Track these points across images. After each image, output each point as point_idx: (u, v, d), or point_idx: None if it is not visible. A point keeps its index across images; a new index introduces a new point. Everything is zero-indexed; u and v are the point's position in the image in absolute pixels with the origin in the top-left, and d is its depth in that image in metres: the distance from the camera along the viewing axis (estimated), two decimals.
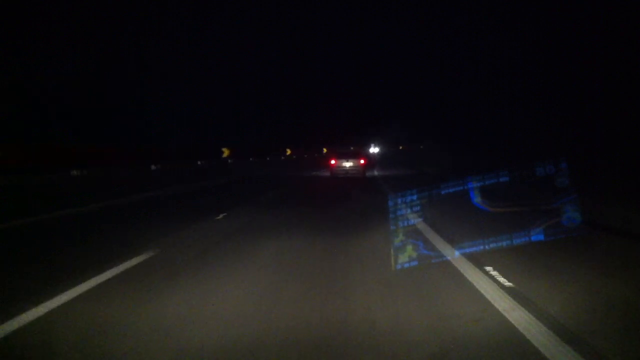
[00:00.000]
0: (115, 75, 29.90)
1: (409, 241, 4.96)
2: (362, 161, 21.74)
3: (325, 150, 62.19)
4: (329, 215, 9.30)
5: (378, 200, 10.79)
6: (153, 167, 21.94)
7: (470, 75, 25.99)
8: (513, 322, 3.20)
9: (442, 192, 5.75)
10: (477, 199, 7.75)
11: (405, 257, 4.78)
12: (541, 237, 5.09)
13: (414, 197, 5.35)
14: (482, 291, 3.90)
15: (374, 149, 59.97)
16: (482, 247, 4.97)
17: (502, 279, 4.17)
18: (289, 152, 60.67)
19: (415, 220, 5.82)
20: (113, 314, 3.50)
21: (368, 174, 23.00)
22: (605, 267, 4.65)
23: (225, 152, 37.22)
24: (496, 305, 3.55)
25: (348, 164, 21.62)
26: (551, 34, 13.83)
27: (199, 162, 28.85)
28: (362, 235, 6.71)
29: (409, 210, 5.23)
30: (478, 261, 4.84)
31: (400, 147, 76.10)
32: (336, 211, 10.10)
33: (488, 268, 4.53)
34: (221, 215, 9.11)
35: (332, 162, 22.20)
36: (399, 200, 5.32)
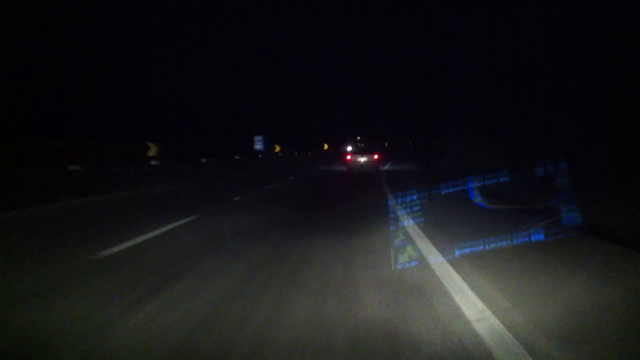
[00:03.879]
0: (113, 75, 29.87)
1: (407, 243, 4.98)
2: (375, 156, 22.28)
3: (326, 146, 61.44)
4: None
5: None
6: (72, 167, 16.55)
7: (469, 75, 26.00)
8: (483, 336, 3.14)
9: (443, 192, 5.76)
10: (477, 199, 7.78)
11: (405, 257, 4.79)
12: (541, 238, 5.10)
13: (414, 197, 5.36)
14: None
15: None
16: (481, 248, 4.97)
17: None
18: (278, 148, 54.39)
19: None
20: None
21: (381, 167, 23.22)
22: (598, 277, 4.56)
23: (152, 150, 25.10)
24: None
25: (363, 159, 22.28)
26: (551, 33, 13.83)
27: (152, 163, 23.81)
28: None
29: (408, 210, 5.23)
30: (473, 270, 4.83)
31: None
32: None
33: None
34: None
35: (348, 157, 22.74)
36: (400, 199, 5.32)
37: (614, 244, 5.72)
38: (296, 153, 54.17)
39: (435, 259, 5.11)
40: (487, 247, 4.99)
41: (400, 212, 5.84)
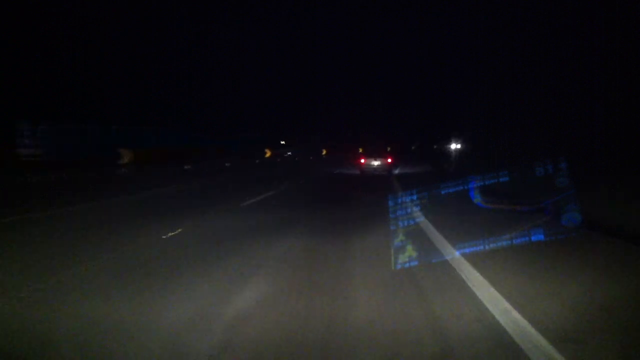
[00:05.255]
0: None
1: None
2: (389, 160, 22.45)
3: (268, 153, 50.14)
4: None
5: None
6: None
7: (469, 75, 26.05)
8: (505, 325, 3.21)
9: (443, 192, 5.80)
10: (476, 199, 7.82)
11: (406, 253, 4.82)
12: (541, 237, 5.13)
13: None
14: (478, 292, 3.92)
15: None
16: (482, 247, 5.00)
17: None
18: (127, 157, 29.92)
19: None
20: None
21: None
22: (601, 270, 4.63)
23: None
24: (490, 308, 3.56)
25: (376, 163, 22.44)
26: (551, 32, 13.85)
27: None
28: None
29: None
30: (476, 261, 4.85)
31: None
32: None
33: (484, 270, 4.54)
34: None
35: (362, 160, 22.88)
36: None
37: (616, 241, 5.73)
38: (187, 167, 27.35)
39: (441, 256, 5.14)
40: (486, 246, 5.03)
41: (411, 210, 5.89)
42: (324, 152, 69.15)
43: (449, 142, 31.42)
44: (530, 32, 15.40)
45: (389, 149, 25.12)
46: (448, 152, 30.22)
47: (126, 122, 28.13)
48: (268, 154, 49.22)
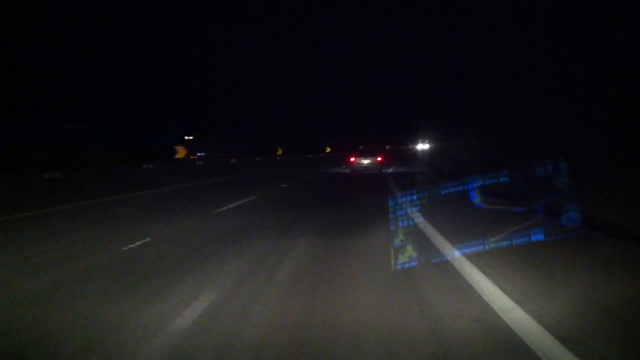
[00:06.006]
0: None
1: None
2: (379, 158, 22.53)
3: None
4: None
5: None
6: None
7: (470, 74, 26.08)
8: (510, 323, 3.22)
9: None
10: (476, 199, 7.82)
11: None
12: (541, 237, 5.13)
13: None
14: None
15: None
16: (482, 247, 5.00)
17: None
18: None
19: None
20: None
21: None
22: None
23: None
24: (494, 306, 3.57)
25: (366, 161, 22.45)
26: (551, 32, 13.86)
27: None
28: None
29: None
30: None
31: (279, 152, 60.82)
32: None
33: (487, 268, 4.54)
34: None
35: (352, 159, 22.86)
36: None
37: (616, 241, 5.73)
38: None
39: (441, 256, 5.14)
40: (486, 246, 5.03)
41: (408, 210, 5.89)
42: (280, 151, 58.02)
43: (416, 143, 31.56)
44: (530, 32, 15.39)
45: (361, 147, 25.21)
46: (414, 152, 30.36)
47: None
48: (181, 154, 35.86)
